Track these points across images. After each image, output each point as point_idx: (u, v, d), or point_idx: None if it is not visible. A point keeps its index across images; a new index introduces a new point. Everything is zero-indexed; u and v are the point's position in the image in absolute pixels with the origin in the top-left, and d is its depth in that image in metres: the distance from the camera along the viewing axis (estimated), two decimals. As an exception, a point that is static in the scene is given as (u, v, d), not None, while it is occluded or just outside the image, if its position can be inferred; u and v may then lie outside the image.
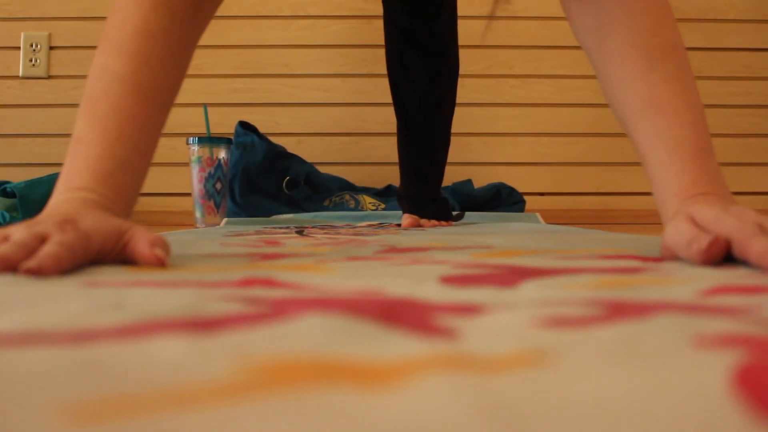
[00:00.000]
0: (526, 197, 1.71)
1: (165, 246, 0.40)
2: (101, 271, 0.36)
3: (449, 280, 0.32)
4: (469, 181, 1.66)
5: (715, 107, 1.82)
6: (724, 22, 1.82)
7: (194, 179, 1.30)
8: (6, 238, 0.35)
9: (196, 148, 1.29)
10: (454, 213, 1.27)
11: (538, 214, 1.46)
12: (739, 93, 1.82)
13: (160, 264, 0.38)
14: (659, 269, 0.38)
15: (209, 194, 1.29)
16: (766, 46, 1.82)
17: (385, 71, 1.15)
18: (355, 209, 1.51)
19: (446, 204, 1.19)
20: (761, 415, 0.12)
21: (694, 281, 0.32)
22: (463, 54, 1.18)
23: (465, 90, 1.73)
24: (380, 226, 1.12)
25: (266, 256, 0.48)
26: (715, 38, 1.82)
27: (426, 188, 1.16)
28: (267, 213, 1.51)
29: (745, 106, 1.82)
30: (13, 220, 1.31)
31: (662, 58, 0.51)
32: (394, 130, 1.18)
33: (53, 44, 1.77)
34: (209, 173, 1.29)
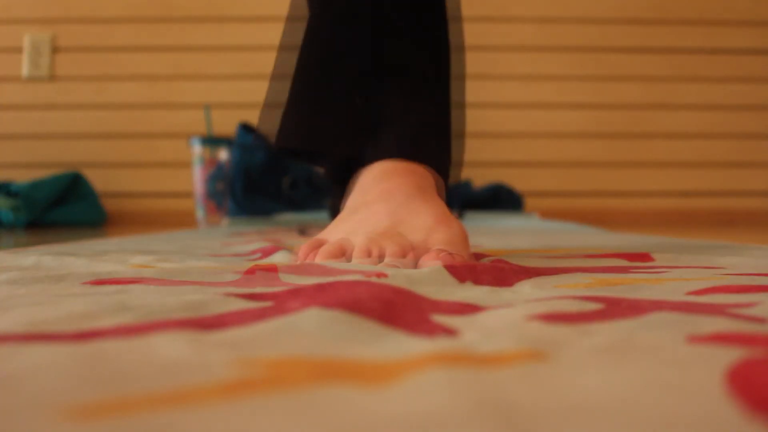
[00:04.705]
0: (525, 197, 1.72)
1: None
2: (103, 268, 0.36)
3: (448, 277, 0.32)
4: (468, 181, 1.66)
5: (714, 108, 1.83)
6: (722, 24, 1.82)
7: (196, 180, 1.31)
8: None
9: (198, 148, 1.30)
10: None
11: (536, 214, 1.47)
12: (737, 94, 1.82)
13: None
14: (648, 268, 0.38)
15: (211, 194, 1.30)
16: (764, 47, 1.82)
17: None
18: (356, 209, 1.51)
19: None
20: (754, 412, 0.12)
21: (686, 281, 0.33)
22: (463, 55, 1.18)
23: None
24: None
25: (267, 254, 0.49)
26: (714, 40, 1.82)
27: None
28: (268, 213, 1.52)
29: (744, 107, 1.82)
30: (17, 220, 1.31)
31: None
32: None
33: (57, 46, 1.78)
34: (211, 174, 1.29)
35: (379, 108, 0.47)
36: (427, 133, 0.47)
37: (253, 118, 1.65)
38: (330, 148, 0.46)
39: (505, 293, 0.29)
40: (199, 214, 1.31)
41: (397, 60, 0.48)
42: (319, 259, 0.38)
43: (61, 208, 1.46)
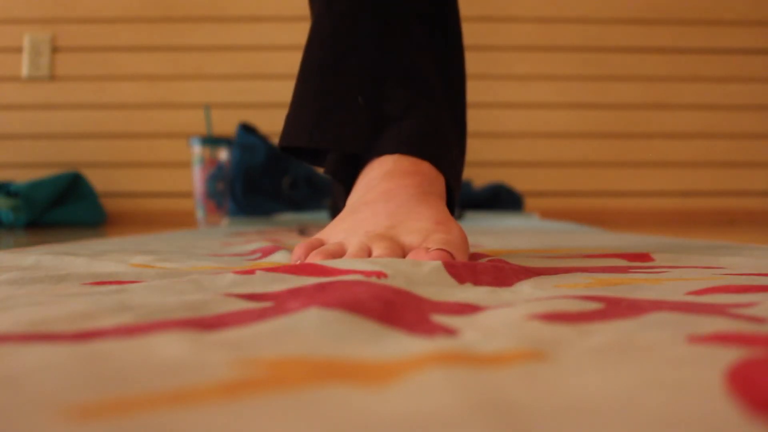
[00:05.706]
0: (525, 197, 1.72)
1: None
2: (103, 268, 0.36)
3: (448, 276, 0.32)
4: (468, 182, 1.66)
5: (713, 108, 1.83)
6: (722, 24, 1.82)
7: (196, 179, 1.31)
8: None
9: (198, 148, 1.30)
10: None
11: (536, 214, 1.47)
12: (736, 94, 1.82)
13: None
14: (648, 268, 0.38)
15: (211, 194, 1.30)
16: (764, 47, 1.82)
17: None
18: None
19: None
20: (754, 412, 0.12)
21: (686, 281, 0.33)
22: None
23: (465, 90, 1.74)
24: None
25: (267, 254, 0.49)
26: (714, 40, 1.82)
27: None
28: (268, 213, 1.52)
29: (744, 107, 1.82)
30: (17, 220, 1.31)
31: None
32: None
33: (56, 46, 1.78)
34: (211, 173, 1.29)
35: (383, 106, 0.47)
36: (429, 132, 0.47)
37: (253, 118, 1.65)
38: (334, 145, 0.46)
39: (505, 293, 0.29)
40: (199, 214, 1.31)
41: (402, 59, 0.48)
42: (318, 259, 0.38)
43: (61, 208, 1.46)
